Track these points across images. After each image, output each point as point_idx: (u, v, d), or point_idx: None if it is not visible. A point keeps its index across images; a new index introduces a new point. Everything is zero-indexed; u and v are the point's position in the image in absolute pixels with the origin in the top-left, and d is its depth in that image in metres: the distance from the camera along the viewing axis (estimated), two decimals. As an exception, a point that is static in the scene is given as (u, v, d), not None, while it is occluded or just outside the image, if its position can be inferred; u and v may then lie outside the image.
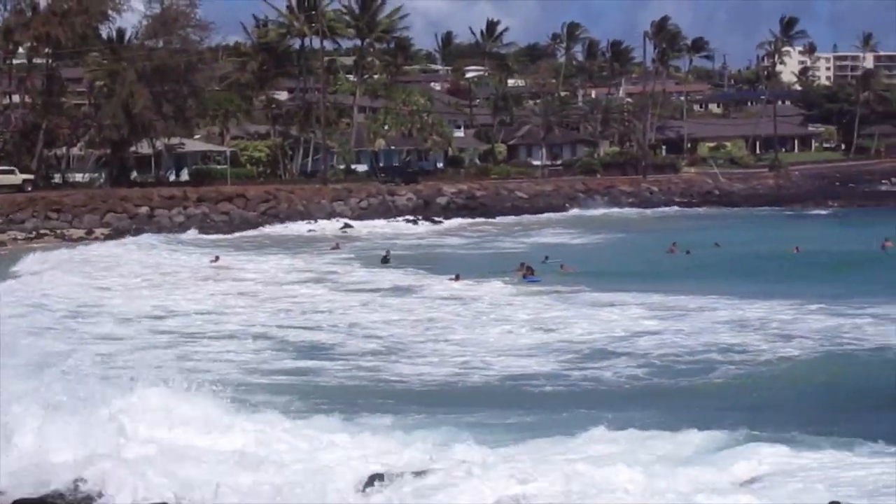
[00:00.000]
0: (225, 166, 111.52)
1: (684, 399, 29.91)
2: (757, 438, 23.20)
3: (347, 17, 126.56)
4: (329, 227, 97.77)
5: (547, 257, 66.58)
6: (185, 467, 20.73)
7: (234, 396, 26.95)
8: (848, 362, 34.15)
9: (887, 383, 30.96)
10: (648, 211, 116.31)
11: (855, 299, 46.45)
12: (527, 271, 59.47)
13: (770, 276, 57.15)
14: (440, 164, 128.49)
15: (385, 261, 68.99)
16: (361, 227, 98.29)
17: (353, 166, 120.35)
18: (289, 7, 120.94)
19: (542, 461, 20.71)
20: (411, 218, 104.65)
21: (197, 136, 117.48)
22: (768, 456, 21.22)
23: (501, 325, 43.02)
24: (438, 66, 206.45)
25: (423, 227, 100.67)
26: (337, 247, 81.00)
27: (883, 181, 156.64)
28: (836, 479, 19.80)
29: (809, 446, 22.79)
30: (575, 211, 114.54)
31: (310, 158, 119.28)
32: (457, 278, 57.72)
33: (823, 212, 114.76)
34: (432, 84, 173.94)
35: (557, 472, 19.52)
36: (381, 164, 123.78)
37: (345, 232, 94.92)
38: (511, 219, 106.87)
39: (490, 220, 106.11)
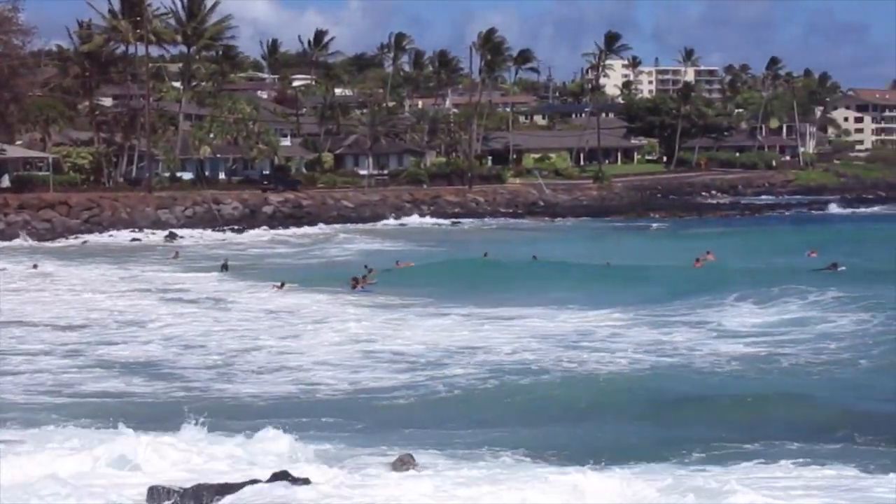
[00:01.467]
0: (47, 173, 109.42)
1: (510, 414, 30.18)
2: (575, 455, 23.67)
3: (174, 24, 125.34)
4: (154, 235, 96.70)
5: (367, 266, 66.83)
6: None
7: (23, 417, 26.50)
8: (664, 373, 34.94)
9: (694, 393, 31.75)
10: (479, 221, 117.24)
11: (660, 310, 47.85)
12: (354, 282, 59.98)
13: (580, 289, 57.28)
14: (266, 173, 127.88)
15: (224, 269, 68.96)
16: (188, 235, 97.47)
17: (178, 174, 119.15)
18: (111, 11, 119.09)
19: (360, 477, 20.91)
20: (237, 227, 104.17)
21: (18, 143, 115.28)
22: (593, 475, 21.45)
23: (329, 335, 42.94)
24: (265, 75, 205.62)
25: (250, 236, 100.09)
26: (177, 255, 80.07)
27: (703, 193, 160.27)
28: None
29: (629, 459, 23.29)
30: (403, 220, 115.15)
31: (134, 166, 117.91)
32: (281, 286, 58.09)
33: (653, 224, 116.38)
34: (259, 92, 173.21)
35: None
36: (267, 172, 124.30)
37: (170, 241, 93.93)
38: (337, 227, 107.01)
39: (316, 228, 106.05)
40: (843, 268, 62.83)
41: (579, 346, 39.94)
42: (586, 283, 60.01)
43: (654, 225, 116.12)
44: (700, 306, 49.49)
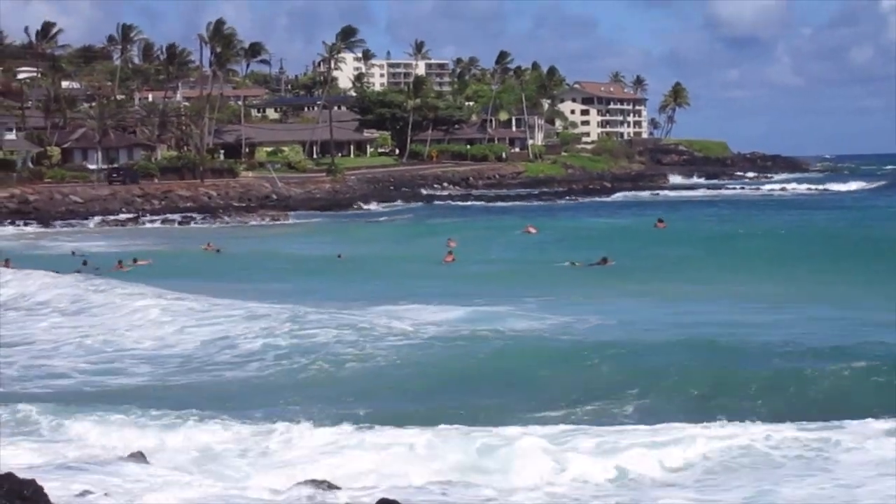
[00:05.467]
0: None
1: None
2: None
3: None
4: None
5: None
6: None
7: None
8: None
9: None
10: (211, 220, 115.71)
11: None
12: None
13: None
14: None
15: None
16: None
17: None
18: None
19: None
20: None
21: None
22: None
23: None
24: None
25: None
26: None
27: (435, 185, 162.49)
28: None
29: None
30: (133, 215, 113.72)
31: None
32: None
33: (382, 216, 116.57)
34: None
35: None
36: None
37: None
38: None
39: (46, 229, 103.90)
40: (613, 262, 63.22)
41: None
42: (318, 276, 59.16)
43: (383, 217, 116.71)
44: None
